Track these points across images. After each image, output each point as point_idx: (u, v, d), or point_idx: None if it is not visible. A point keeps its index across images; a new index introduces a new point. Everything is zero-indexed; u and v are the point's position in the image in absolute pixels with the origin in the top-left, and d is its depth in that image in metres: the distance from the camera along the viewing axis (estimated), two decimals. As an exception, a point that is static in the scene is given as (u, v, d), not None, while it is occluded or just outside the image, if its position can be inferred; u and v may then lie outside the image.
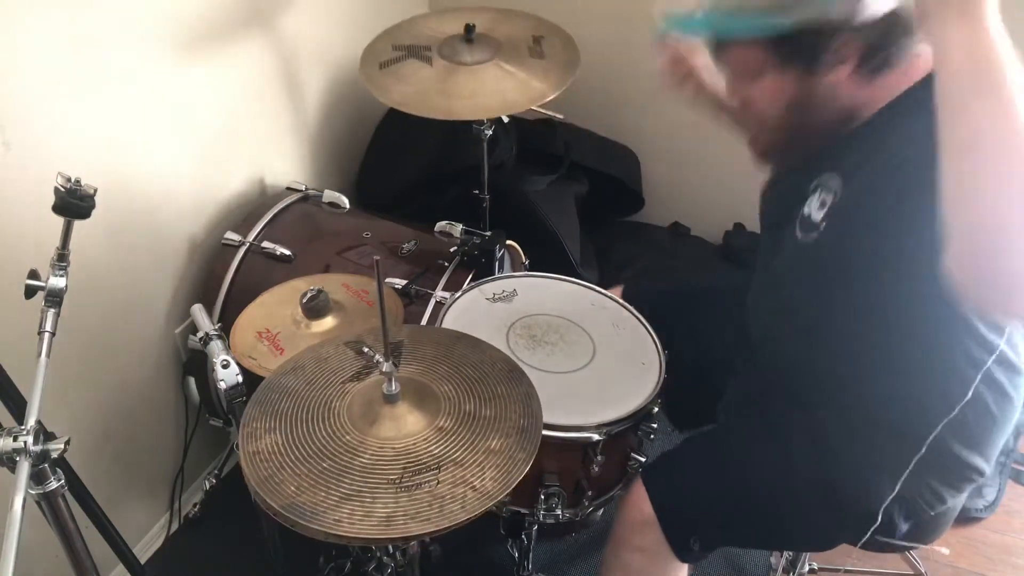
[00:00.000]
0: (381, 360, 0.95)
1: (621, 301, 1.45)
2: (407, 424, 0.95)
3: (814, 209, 1.06)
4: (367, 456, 0.91)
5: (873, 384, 1.09)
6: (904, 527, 1.15)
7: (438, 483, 0.87)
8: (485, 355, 1.08)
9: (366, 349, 1.04)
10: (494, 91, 1.57)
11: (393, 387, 0.95)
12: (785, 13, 0.91)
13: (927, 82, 0.93)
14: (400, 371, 1.03)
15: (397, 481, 0.87)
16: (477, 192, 1.84)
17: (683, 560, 1.20)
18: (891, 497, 1.11)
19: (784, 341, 1.19)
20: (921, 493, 1.13)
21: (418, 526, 0.82)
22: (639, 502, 1.20)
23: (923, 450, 1.08)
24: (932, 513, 1.16)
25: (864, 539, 1.14)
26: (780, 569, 1.70)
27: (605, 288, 1.49)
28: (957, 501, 1.17)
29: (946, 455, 1.10)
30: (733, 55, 1.03)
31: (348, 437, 0.94)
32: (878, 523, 1.13)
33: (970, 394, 1.02)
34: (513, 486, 0.86)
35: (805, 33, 0.92)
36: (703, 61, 1.24)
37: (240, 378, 1.07)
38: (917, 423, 1.06)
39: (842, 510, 1.16)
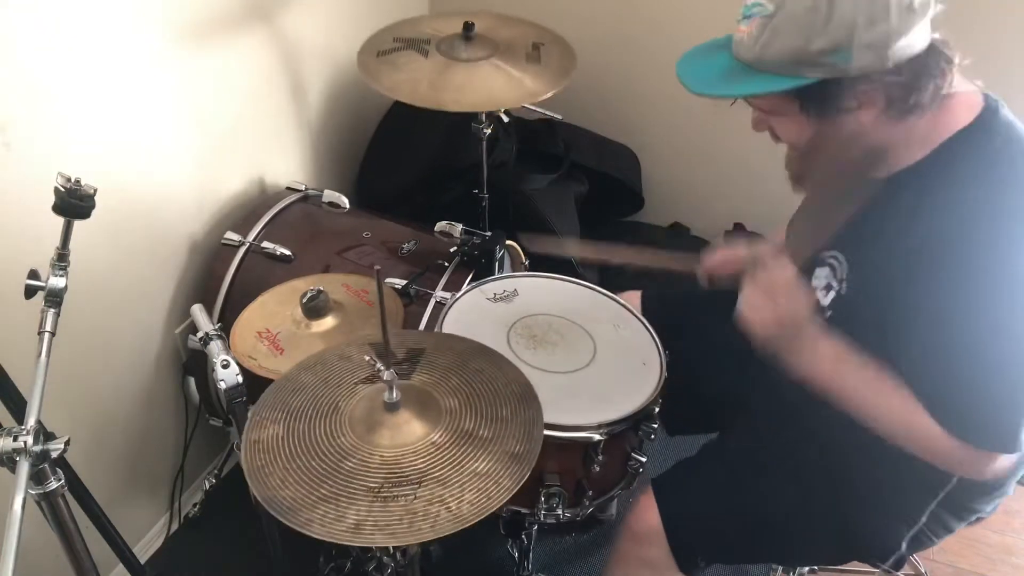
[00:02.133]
0: (383, 368, 0.95)
1: (621, 301, 1.45)
2: (403, 433, 0.94)
3: (820, 288, 1.06)
4: (354, 461, 0.90)
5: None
6: (906, 551, 1.16)
7: (415, 498, 0.86)
8: (501, 372, 1.06)
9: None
10: (483, 87, 1.56)
11: (394, 396, 0.95)
12: (805, 72, 0.88)
13: (934, 156, 0.95)
14: (412, 379, 1.03)
15: (376, 490, 0.86)
16: (477, 192, 1.84)
17: (687, 574, 1.21)
18: (902, 534, 1.13)
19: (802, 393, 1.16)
20: (932, 528, 1.14)
21: (384, 538, 0.82)
22: (646, 516, 1.20)
23: (940, 496, 1.10)
24: (936, 540, 1.17)
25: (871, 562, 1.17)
26: (780, 570, 1.70)
27: (614, 289, 1.48)
28: (963, 524, 1.17)
29: (963, 493, 1.11)
30: (755, 98, 0.98)
31: (343, 439, 0.93)
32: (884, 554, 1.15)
33: None
34: (488, 513, 0.85)
35: (827, 83, 0.89)
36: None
37: (240, 378, 1.07)
38: (935, 471, 1.06)
39: (854, 543, 1.17)
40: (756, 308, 1.05)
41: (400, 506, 0.85)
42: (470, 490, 0.87)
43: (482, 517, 0.84)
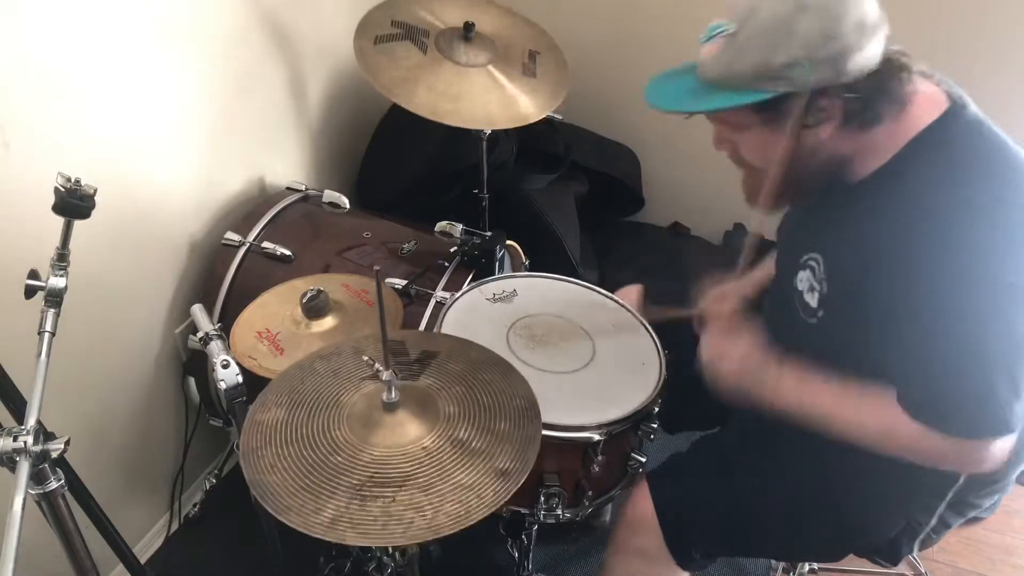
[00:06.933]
0: (381, 368, 0.95)
1: (621, 301, 1.45)
2: (395, 435, 0.93)
3: (806, 290, 1.09)
4: (342, 455, 0.90)
5: None
6: (906, 549, 1.17)
7: (393, 501, 0.85)
8: (509, 386, 1.04)
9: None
10: (481, 102, 1.58)
11: (392, 396, 0.95)
12: (766, 86, 0.93)
13: (898, 159, 0.97)
14: (419, 381, 1.02)
15: (358, 487, 0.86)
16: (477, 192, 1.84)
17: (683, 567, 1.20)
18: (899, 528, 1.13)
19: None
20: (932, 525, 1.14)
21: (355, 536, 0.81)
22: (640, 505, 1.20)
23: (949, 497, 1.10)
24: (936, 537, 1.17)
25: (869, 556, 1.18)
26: (780, 569, 1.70)
27: (614, 288, 1.48)
28: (961, 520, 1.17)
29: (964, 489, 1.10)
30: (717, 114, 1.04)
31: (337, 433, 0.94)
32: (883, 548, 1.15)
33: None
34: (463, 527, 0.83)
35: (788, 97, 0.93)
36: None
37: (240, 378, 1.07)
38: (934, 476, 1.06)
39: (850, 536, 1.17)
40: (718, 357, 1.11)
41: (378, 507, 0.84)
42: (450, 501, 0.86)
43: (456, 530, 0.82)
